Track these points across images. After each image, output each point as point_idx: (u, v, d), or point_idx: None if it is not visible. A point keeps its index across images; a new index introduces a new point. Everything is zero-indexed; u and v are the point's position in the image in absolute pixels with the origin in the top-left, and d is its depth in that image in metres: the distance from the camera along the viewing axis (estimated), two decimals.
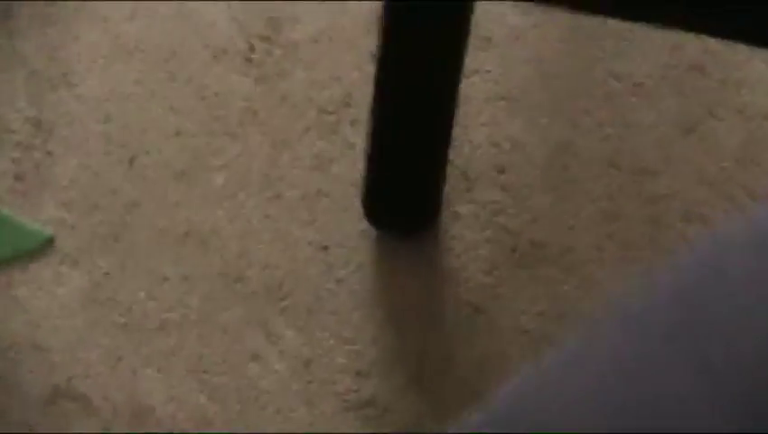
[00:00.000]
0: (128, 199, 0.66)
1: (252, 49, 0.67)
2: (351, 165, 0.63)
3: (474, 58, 0.64)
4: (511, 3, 0.60)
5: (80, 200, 0.67)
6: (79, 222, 0.66)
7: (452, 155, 0.62)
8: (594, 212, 0.64)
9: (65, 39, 0.70)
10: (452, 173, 0.61)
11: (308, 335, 0.61)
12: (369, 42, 0.64)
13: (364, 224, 0.62)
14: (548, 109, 0.65)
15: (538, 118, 0.64)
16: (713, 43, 0.67)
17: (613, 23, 0.66)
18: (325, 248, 0.63)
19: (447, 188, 0.60)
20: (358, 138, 0.63)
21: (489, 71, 0.64)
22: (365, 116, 0.64)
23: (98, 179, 0.67)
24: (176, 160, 0.66)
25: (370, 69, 0.64)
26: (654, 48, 0.68)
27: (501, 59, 0.65)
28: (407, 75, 0.53)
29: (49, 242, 0.65)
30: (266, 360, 0.61)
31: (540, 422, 0.23)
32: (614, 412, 0.22)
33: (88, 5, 0.70)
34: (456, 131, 0.63)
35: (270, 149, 0.65)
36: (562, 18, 0.65)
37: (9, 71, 0.70)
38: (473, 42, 0.64)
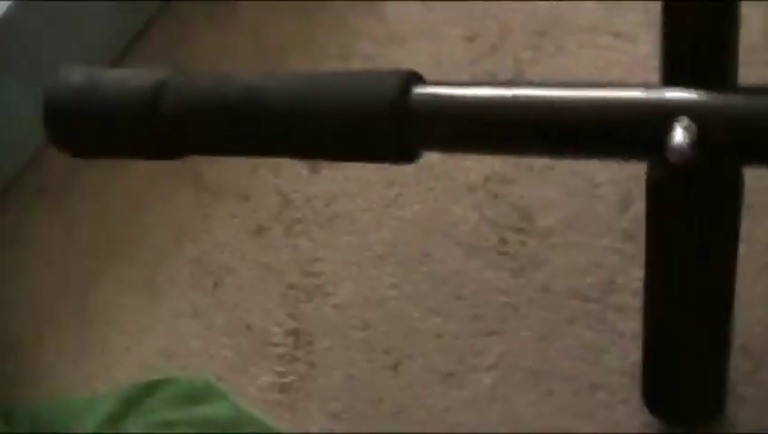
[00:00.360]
0: (395, 405, 0.66)
1: (504, 241, 0.67)
2: (623, 355, 0.61)
3: (744, 227, 0.62)
4: None
5: (347, 410, 0.67)
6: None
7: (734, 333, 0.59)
8: None
9: (315, 250, 0.72)
10: (735, 353, 0.58)
11: None
12: (624, 224, 0.63)
13: (646, 416, 0.59)
14: None
15: None
16: None
17: None
18: None
19: (731, 370, 0.57)
20: (627, 325, 0.61)
21: (758, 240, 0.62)
22: (631, 301, 0.62)
23: (364, 387, 0.67)
24: (441, 363, 0.66)
25: (631, 250, 0.63)
26: None
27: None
28: (680, 252, 0.51)
29: None
30: None
31: None
32: None
33: (337, 217, 0.72)
34: (736, 307, 0.60)
35: (536, 343, 0.64)
36: None
37: (266, 286, 0.73)
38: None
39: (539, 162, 0.66)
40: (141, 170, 0.77)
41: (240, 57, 0.82)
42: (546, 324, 0.64)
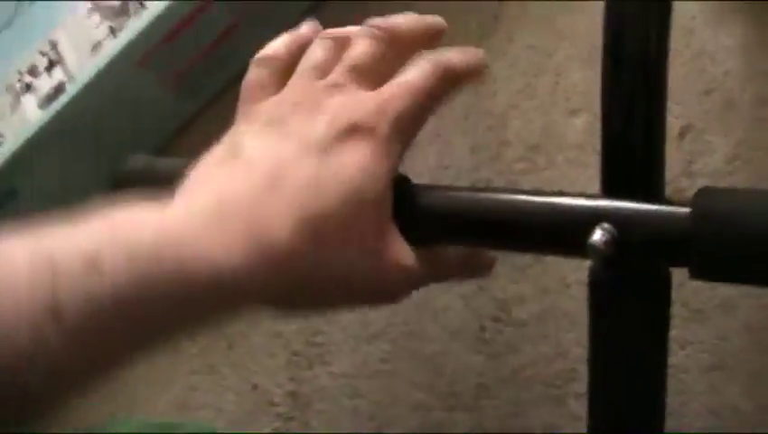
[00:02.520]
0: None
1: (483, 329, 0.72)
2: None
3: (687, 329, 0.66)
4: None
5: None
6: None
7: (672, 423, 0.63)
8: None
9: (320, 323, 0.77)
10: None
11: None
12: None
13: None
14: (765, 376, 0.65)
15: (757, 386, 0.65)
16: None
17: None
18: None
19: None
20: (583, 410, 0.65)
21: (703, 342, 0.66)
22: None
23: None
24: (418, 431, 0.70)
25: None
26: None
27: (714, 330, 0.66)
28: (616, 351, 0.56)
29: None
30: None
31: None
32: None
33: None
34: (675, 401, 0.64)
35: (503, 420, 0.68)
36: None
37: (273, 351, 0.78)
38: (686, 314, 0.67)
39: (520, 260, 0.71)
40: None
41: None
42: (513, 404, 0.68)
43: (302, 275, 0.44)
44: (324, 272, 0.45)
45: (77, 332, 0.37)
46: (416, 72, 0.50)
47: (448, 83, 0.51)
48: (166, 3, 0.81)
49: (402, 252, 0.48)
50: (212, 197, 0.44)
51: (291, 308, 0.49)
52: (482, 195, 0.54)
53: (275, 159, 0.45)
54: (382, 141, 0.47)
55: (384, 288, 0.49)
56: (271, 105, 0.51)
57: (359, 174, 0.45)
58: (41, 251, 0.38)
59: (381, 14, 0.79)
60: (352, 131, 0.46)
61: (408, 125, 0.49)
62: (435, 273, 0.52)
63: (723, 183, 0.69)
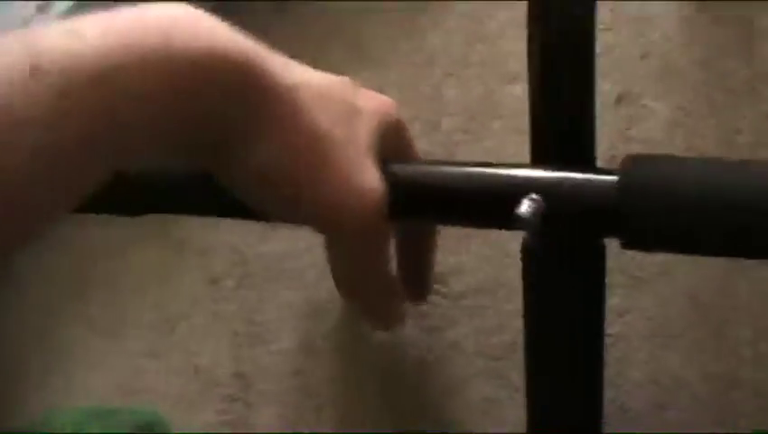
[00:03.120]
0: None
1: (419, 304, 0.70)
2: (518, 409, 0.64)
3: (627, 297, 0.65)
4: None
5: None
6: None
7: (612, 393, 0.62)
8: None
9: (261, 302, 0.75)
10: (612, 411, 0.60)
11: None
12: None
13: None
14: (708, 344, 0.64)
15: (699, 354, 0.64)
16: None
17: None
18: None
19: (608, 426, 0.60)
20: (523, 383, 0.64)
21: (643, 309, 0.65)
22: None
23: (290, 426, 0.70)
24: (359, 409, 0.69)
25: None
26: None
27: (654, 296, 0.65)
28: (551, 322, 0.54)
29: None
30: None
31: None
32: None
33: (282, 273, 0.76)
34: (615, 370, 0.63)
35: (442, 396, 0.67)
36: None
37: (215, 332, 0.76)
38: (625, 281, 0.65)
39: (459, 232, 0.69)
40: (117, 225, 0.82)
41: None
42: (452, 378, 0.67)
43: (267, 124, 0.45)
44: (313, 119, 0.47)
45: (58, 88, 0.36)
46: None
47: None
48: None
49: (375, 179, 0.49)
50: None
51: (228, 171, 0.47)
52: (411, 168, 0.52)
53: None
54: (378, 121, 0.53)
55: (343, 207, 0.49)
56: None
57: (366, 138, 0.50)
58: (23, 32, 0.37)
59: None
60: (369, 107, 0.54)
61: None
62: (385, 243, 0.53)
63: (660, 148, 0.67)
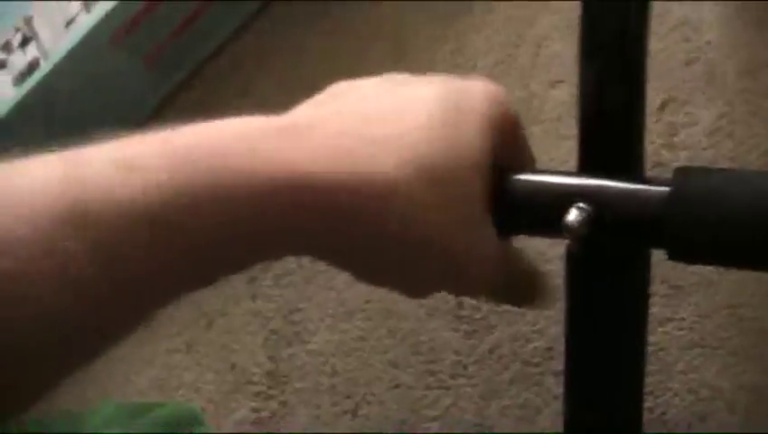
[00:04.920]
0: None
1: (461, 306, 0.69)
2: (556, 415, 0.63)
3: (667, 306, 0.64)
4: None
5: None
6: None
7: (651, 402, 0.61)
8: None
9: (299, 301, 0.75)
10: (652, 420, 0.59)
11: None
12: None
13: None
14: (746, 356, 0.62)
15: (736, 365, 0.62)
16: None
17: None
18: None
19: None
20: (561, 389, 0.63)
21: (683, 319, 0.63)
22: None
23: (325, 427, 0.69)
24: (395, 410, 0.68)
25: None
26: None
27: (694, 307, 0.64)
28: (593, 330, 0.53)
29: None
30: None
31: None
32: None
33: (319, 273, 0.75)
34: (655, 379, 0.62)
35: (479, 400, 0.66)
36: None
37: (251, 329, 0.76)
38: (665, 290, 0.64)
39: None
40: None
41: None
42: (490, 382, 0.66)
43: (390, 219, 0.37)
44: (412, 226, 0.38)
45: (106, 244, 0.31)
46: None
47: None
48: None
49: (490, 246, 0.43)
50: (317, 116, 0.38)
51: (350, 262, 0.40)
52: None
53: (394, 95, 0.40)
54: (494, 127, 0.42)
55: (464, 272, 0.42)
56: (361, 81, 0.43)
57: (471, 137, 0.40)
58: (66, 157, 0.32)
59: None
60: (467, 110, 0.41)
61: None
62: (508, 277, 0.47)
63: (704, 155, 0.66)
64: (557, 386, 0.64)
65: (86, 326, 0.32)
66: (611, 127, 0.48)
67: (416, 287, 0.43)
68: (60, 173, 0.31)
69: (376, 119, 0.38)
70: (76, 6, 0.80)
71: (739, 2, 0.69)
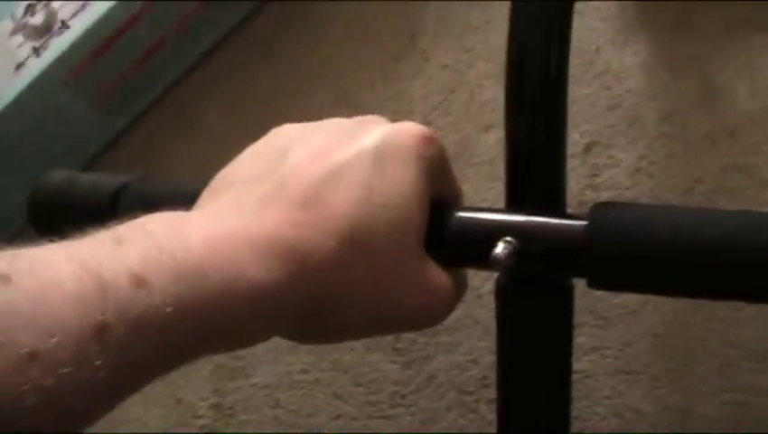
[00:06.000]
0: None
1: (398, 338, 0.72)
2: None
3: (593, 336, 0.67)
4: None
5: None
6: None
7: (578, 427, 0.65)
8: None
9: None
10: None
11: None
12: None
13: None
14: (667, 380, 0.66)
15: (658, 389, 0.66)
16: None
17: None
18: None
19: None
20: (494, 416, 0.66)
21: (608, 348, 0.67)
22: None
23: None
24: None
25: None
26: (763, 315, 0.70)
27: (619, 335, 0.68)
28: (522, 358, 0.56)
29: None
30: None
31: None
32: None
33: None
34: (582, 404, 0.65)
35: (418, 426, 0.69)
36: None
37: (198, 366, 0.78)
38: (592, 322, 0.68)
39: None
40: None
41: (204, 165, 0.89)
42: (428, 411, 0.69)
43: (340, 292, 0.42)
44: (365, 290, 0.42)
45: (120, 353, 0.35)
46: None
47: None
48: (90, 22, 0.80)
49: (440, 274, 0.47)
50: (255, 208, 0.41)
51: (322, 334, 0.45)
52: None
53: (324, 164, 0.43)
54: (428, 165, 0.46)
55: (425, 312, 0.46)
56: (306, 126, 0.47)
57: (409, 190, 0.44)
58: (88, 268, 0.35)
59: (304, 32, 0.79)
60: (403, 151, 0.44)
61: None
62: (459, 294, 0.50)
63: (626, 194, 0.70)
64: (490, 413, 0.68)
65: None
66: (535, 168, 0.52)
67: (378, 334, 0.48)
68: (86, 288, 0.35)
69: (313, 195, 0.42)
70: (26, 50, 0.82)
71: (658, 52, 0.74)
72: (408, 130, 0.47)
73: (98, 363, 0.34)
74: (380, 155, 0.45)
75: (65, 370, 0.33)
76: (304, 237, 0.41)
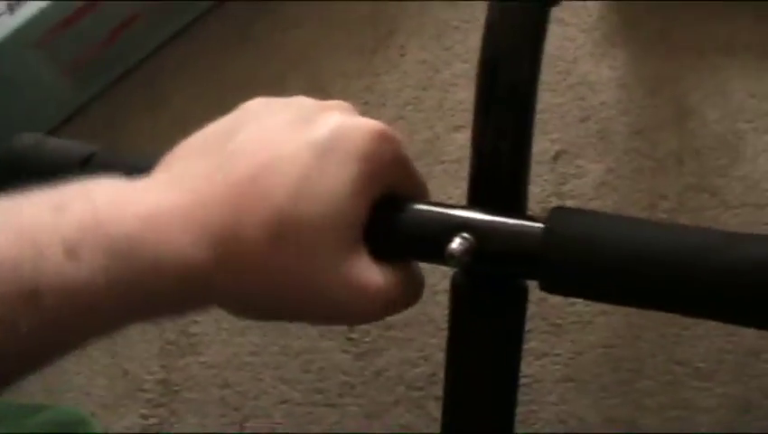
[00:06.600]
0: None
1: (353, 329, 0.72)
2: None
3: (545, 342, 0.68)
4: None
5: None
6: None
7: (522, 430, 0.65)
8: None
9: (195, 314, 0.77)
10: None
11: None
12: None
13: None
14: (615, 391, 0.67)
15: (605, 400, 0.67)
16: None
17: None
18: None
19: None
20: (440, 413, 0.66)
21: (559, 355, 0.68)
22: None
23: None
24: (282, 425, 0.70)
25: None
26: (711, 334, 0.71)
27: (570, 344, 0.68)
28: (471, 356, 0.57)
29: None
30: None
31: None
32: None
33: None
34: (527, 409, 0.66)
35: (363, 419, 0.69)
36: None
37: (148, 339, 0.77)
38: (545, 328, 0.68)
39: None
40: None
41: (166, 145, 0.89)
42: (375, 403, 0.69)
43: (266, 278, 0.42)
44: (289, 280, 0.42)
45: (50, 318, 0.36)
46: None
47: None
48: None
49: (374, 274, 0.47)
50: (195, 185, 0.42)
51: (252, 311, 0.47)
52: None
53: (269, 149, 0.43)
54: (376, 163, 0.46)
55: (350, 309, 0.47)
56: (271, 101, 0.48)
57: (347, 187, 0.43)
58: (24, 236, 0.37)
59: (282, 16, 0.79)
60: (350, 148, 0.44)
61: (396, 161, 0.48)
62: (408, 294, 0.51)
63: (590, 205, 0.71)
64: (437, 410, 0.68)
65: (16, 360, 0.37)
66: (498, 168, 0.52)
67: (307, 322, 0.48)
68: (15, 253, 0.36)
69: (249, 179, 0.42)
70: (1, 6, 0.82)
71: (634, 68, 0.75)
72: (362, 126, 0.47)
73: (26, 329, 0.35)
74: (325, 149, 0.45)
75: None
76: (234, 220, 0.41)
